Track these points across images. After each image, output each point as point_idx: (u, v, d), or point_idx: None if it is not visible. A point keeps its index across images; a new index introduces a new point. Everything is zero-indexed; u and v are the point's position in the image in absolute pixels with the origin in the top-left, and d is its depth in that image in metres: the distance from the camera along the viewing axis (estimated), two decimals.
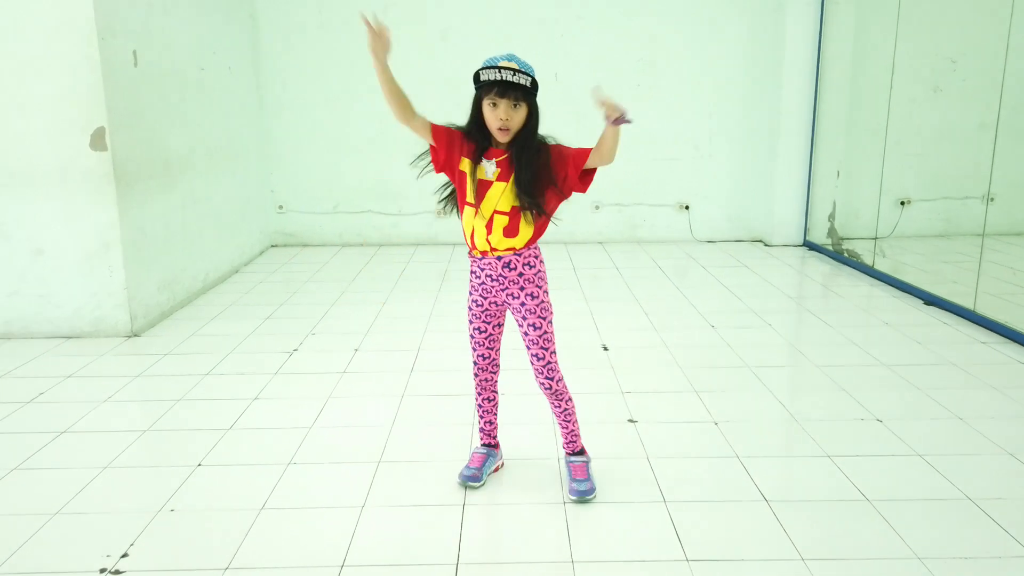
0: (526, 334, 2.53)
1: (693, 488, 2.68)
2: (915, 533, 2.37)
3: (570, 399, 2.64)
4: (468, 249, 2.53)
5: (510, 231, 2.42)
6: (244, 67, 6.43)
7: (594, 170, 2.44)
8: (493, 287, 2.51)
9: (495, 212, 2.41)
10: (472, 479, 2.66)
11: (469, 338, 2.63)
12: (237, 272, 6.05)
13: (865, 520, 2.46)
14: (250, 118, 6.56)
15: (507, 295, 2.51)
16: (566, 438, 2.69)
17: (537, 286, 2.51)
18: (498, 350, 2.65)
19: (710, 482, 2.72)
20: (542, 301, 2.52)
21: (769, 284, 5.54)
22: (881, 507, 2.53)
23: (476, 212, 2.42)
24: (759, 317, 4.70)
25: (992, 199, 7.02)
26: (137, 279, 4.49)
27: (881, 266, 5.74)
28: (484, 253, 2.47)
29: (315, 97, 6.81)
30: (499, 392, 2.79)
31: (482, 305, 2.56)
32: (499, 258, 2.46)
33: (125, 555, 2.32)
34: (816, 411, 3.31)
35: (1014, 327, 4.21)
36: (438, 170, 2.50)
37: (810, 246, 6.74)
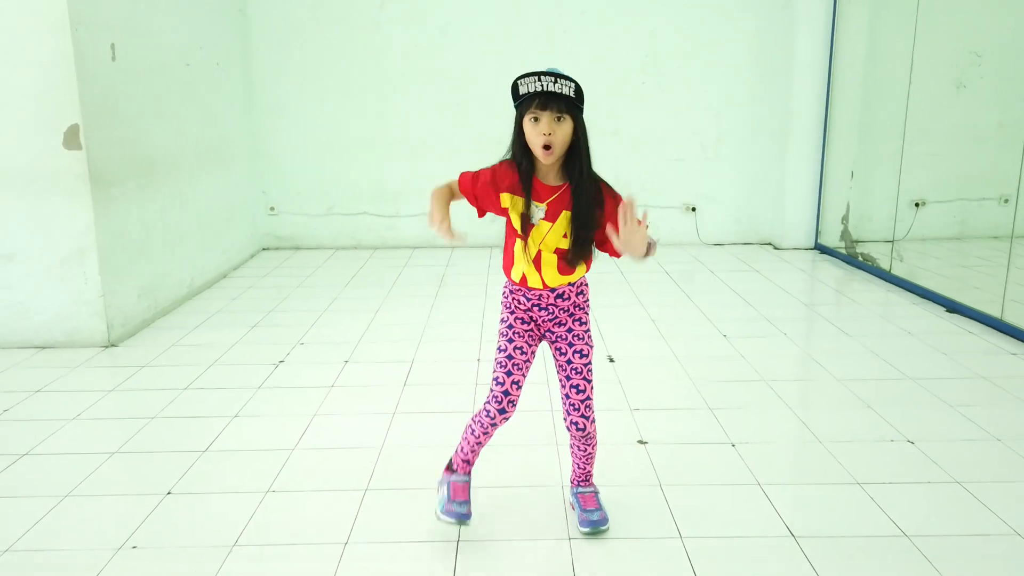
0: (569, 362, 2.26)
1: (711, 521, 2.42)
2: None
3: (596, 442, 2.39)
4: (513, 286, 2.27)
5: (565, 269, 2.19)
6: (234, 63, 6.18)
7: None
8: (541, 316, 2.26)
9: (541, 250, 2.17)
10: (465, 516, 2.33)
11: (498, 364, 2.25)
12: (225, 277, 5.80)
13: (906, 560, 2.21)
14: (240, 116, 6.31)
15: (554, 323, 2.27)
16: (578, 475, 2.44)
17: (585, 312, 2.29)
18: (525, 380, 2.31)
19: (730, 514, 2.47)
20: (589, 329, 2.30)
21: (781, 289, 5.28)
22: (922, 544, 2.27)
23: (524, 245, 2.17)
24: (773, 325, 4.45)
25: (1006, 201, 6.78)
26: (115, 286, 4.23)
27: (898, 270, 5.48)
28: (536, 291, 2.22)
29: (309, 94, 6.56)
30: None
31: (528, 324, 2.28)
32: (552, 290, 2.22)
33: None
34: (841, 431, 3.05)
35: None
36: (481, 215, 2.25)
37: (821, 249, 6.48)
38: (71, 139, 3.95)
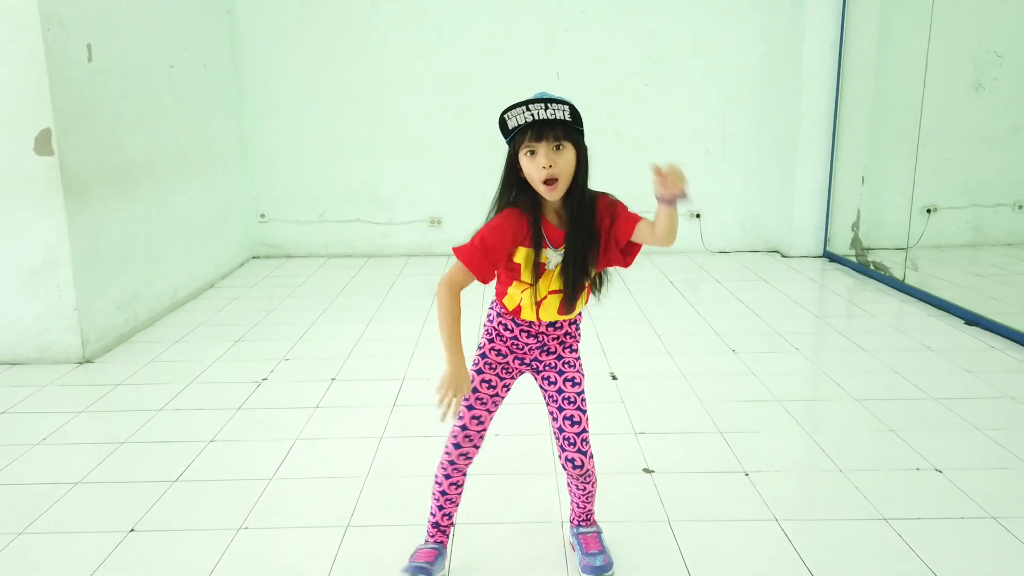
0: (560, 391, 2.04)
1: (725, 562, 2.20)
2: None
3: (596, 479, 2.17)
4: (502, 310, 2.03)
5: (563, 309, 1.98)
6: (221, 65, 5.97)
7: (640, 244, 1.95)
8: (528, 344, 2.03)
9: (549, 292, 1.95)
10: (423, 572, 2.07)
11: (465, 398, 2.04)
12: (212, 287, 5.58)
13: None
14: (228, 120, 6.10)
15: (542, 352, 2.05)
16: (578, 515, 2.22)
17: (576, 340, 2.08)
18: (492, 420, 2.10)
19: (747, 556, 2.24)
20: (579, 356, 2.09)
21: (791, 300, 5.06)
22: None
23: (529, 289, 1.94)
24: (784, 339, 4.22)
25: (1021, 207, 6.57)
26: (90, 298, 4.02)
27: (911, 280, 5.26)
28: (530, 323, 2.01)
29: (300, 97, 6.34)
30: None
31: (505, 357, 2.05)
32: (549, 323, 2.01)
33: None
34: (862, 458, 2.83)
35: None
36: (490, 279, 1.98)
37: (831, 257, 6.26)
38: (43, 144, 3.74)
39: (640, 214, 1.95)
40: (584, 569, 2.13)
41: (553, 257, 1.91)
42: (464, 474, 2.12)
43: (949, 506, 2.50)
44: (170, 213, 4.99)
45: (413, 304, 5.01)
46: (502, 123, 1.84)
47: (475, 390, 2.03)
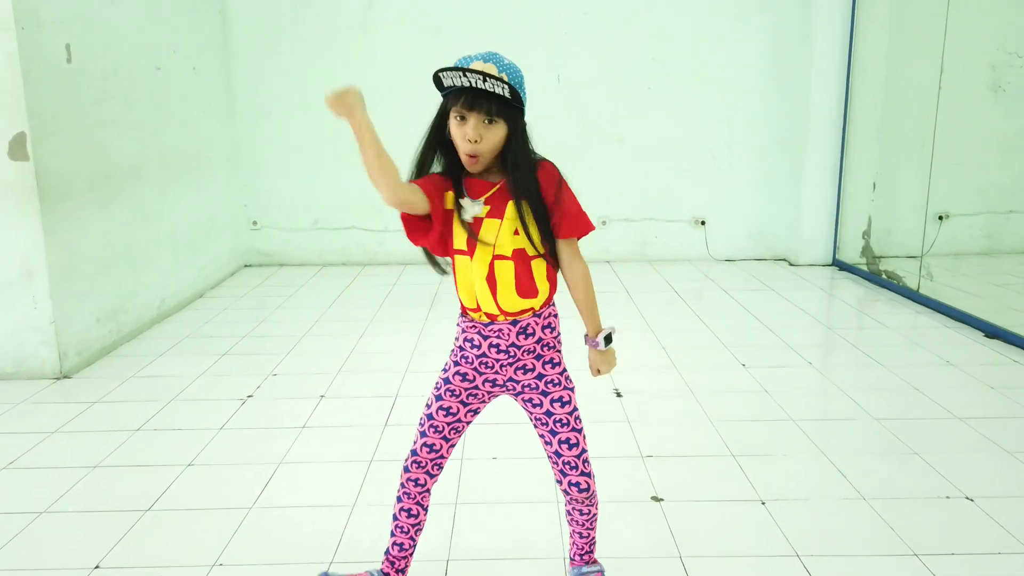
0: (549, 414, 1.83)
1: None
2: None
3: (598, 500, 1.96)
4: (463, 310, 1.85)
5: (525, 289, 1.76)
6: (212, 67, 5.79)
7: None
8: (499, 360, 1.81)
9: (495, 257, 1.74)
10: None
11: (421, 421, 1.88)
12: (201, 297, 5.39)
13: None
14: (218, 124, 5.91)
15: (516, 370, 1.82)
16: (580, 547, 2.02)
17: (557, 350, 1.86)
18: (452, 447, 1.90)
19: None
20: (564, 369, 1.86)
21: (801, 311, 4.87)
22: None
23: (471, 258, 1.76)
24: (796, 353, 4.03)
25: None
26: (69, 310, 3.83)
27: (926, 289, 5.07)
28: (492, 317, 1.78)
29: (293, 100, 6.15)
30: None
31: (472, 382, 1.85)
32: (514, 323, 1.78)
33: None
34: (887, 485, 2.63)
35: None
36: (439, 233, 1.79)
37: (840, 266, 6.07)
38: (17, 149, 3.55)
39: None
40: None
41: (473, 207, 1.73)
42: (420, 504, 1.91)
43: (983, 540, 2.30)
44: (156, 220, 4.80)
45: (408, 315, 4.81)
46: (436, 78, 1.70)
47: (431, 416, 1.85)
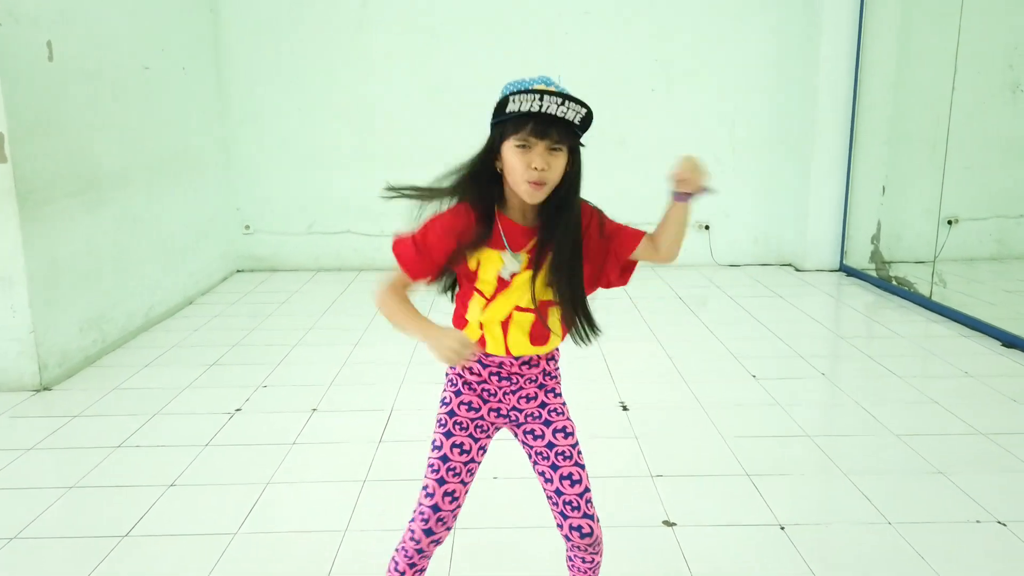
0: (550, 446, 1.66)
1: None
2: None
3: (603, 547, 1.77)
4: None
5: (538, 336, 1.61)
6: (203, 68, 5.63)
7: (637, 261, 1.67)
8: (501, 387, 1.66)
9: (516, 309, 1.60)
10: None
11: (430, 469, 1.64)
12: (191, 303, 5.23)
13: None
14: (210, 126, 5.75)
15: (519, 398, 1.67)
16: None
17: (558, 382, 1.70)
18: (468, 491, 1.69)
19: None
20: (565, 402, 1.71)
21: (810, 318, 4.72)
22: None
23: (487, 305, 1.61)
24: (807, 363, 3.88)
25: None
26: (49, 319, 3.66)
27: (937, 296, 4.92)
28: (494, 355, 1.64)
29: (287, 101, 6.00)
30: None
31: (478, 411, 1.67)
32: (517, 358, 1.63)
33: None
34: (913, 508, 2.48)
35: None
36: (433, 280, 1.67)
37: (848, 271, 5.92)
38: None
39: (639, 227, 1.63)
40: None
41: (510, 263, 1.57)
42: (430, 558, 1.72)
43: (1018, 569, 2.15)
44: (144, 225, 4.64)
45: None
46: (502, 102, 1.51)
47: (446, 458, 1.65)
